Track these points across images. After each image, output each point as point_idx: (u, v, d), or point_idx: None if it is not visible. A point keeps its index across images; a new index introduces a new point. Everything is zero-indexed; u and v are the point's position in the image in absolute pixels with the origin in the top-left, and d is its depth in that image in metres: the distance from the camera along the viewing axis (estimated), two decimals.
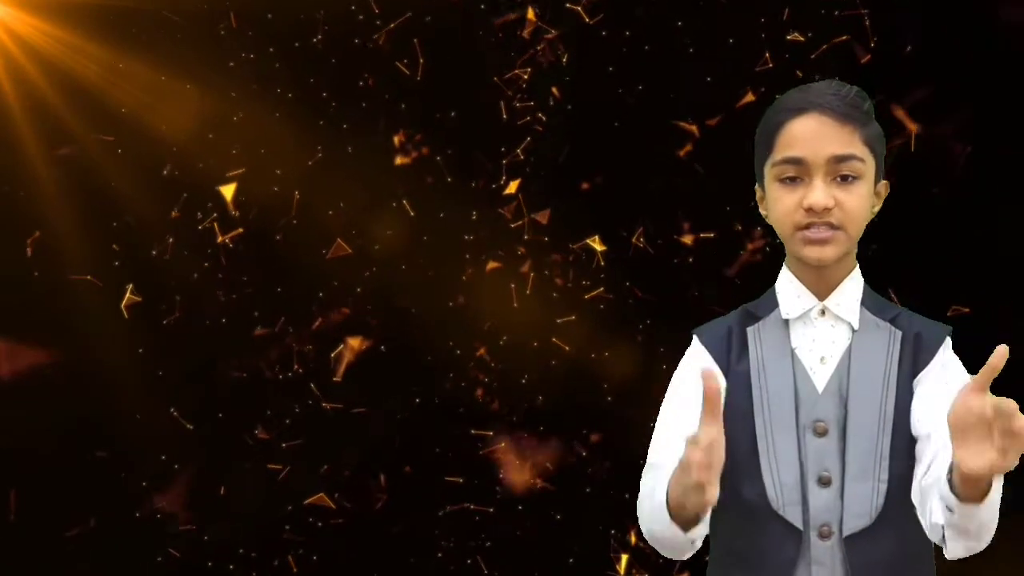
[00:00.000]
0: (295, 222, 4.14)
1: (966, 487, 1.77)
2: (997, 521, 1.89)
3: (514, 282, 4.16)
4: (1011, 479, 1.86)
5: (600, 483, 4.11)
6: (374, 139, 4.14)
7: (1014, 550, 2.12)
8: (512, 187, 4.16)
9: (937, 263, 3.88)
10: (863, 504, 2.02)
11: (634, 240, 4.10)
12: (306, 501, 4.17)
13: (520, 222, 4.16)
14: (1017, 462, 1.70)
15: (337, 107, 4.14)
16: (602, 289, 4.15)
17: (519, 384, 4.13)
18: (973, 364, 1.84)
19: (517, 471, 4.11)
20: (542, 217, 4.15)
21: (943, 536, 1.90)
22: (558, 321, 4.14)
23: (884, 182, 2.16)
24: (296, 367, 4.19)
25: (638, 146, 4.10)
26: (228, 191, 4.04)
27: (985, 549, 1.94)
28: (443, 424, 4.16)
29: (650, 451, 2.14)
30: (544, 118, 4.13)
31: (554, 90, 4.16)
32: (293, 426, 4.19)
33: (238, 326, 4.17)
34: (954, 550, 1.90)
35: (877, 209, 2.17)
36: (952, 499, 1.80)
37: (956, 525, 1.84)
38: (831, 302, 2.13)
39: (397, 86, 4.16)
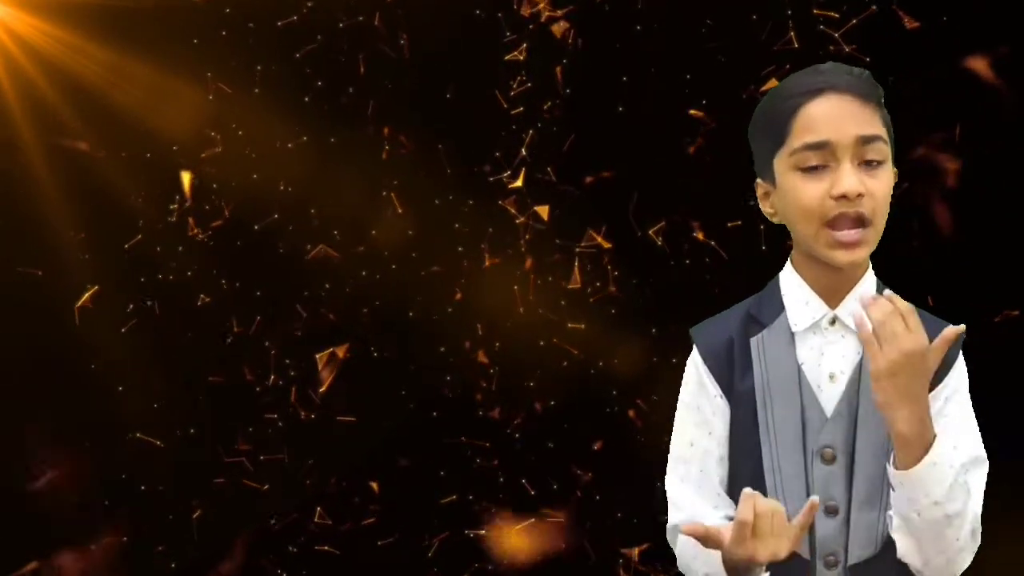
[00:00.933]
0: (276, 216, 4.03)
1: (898, 448, 1.89)
2: (944, 538, 1.94)
3: (515, 281, 4.05)
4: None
5: (606, 502, 4.00)
6: (362, 126, 4.03)
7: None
8: (514, 179, 4.04)
9: (986, 263, 3.81)
10: (869, 533, 2.00)
11: (649, 234, 3.99)
12: (286, 522, 4.01)
13: (522, 218, 4.04)
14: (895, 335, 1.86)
15: (322, 90, 4.03)
16: (611, 288, 4.03)
17: (519, 391, 4.02)
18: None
19: (516, 488, 4.02)
20: (543, 211, 4.03)
21: (894, 529, 1.97)
22: (561, 322, 4.03)
23: (894, 170, 2.09)
24: (274, 376, 4.04)
25: (648, 135, 3.98)
26: (186, 178, 3.95)
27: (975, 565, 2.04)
28: (437, 435, 4.04)
29: (671, 487, 2.14)
30: (545, 104, 4.01)
31: (557, 71, 4.01)
32: (272, 440, 4.02)
33: (212, 329, 4.02)
34: (901, 547, 1.96)
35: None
36: (892, 473, 1.91)
37: (902, 512, 1.92)
38: (842, 311, 2.05)
39: (387, 68, 4.03)
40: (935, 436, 1.90)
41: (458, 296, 4.03)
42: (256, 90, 3.97)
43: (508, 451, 4.03)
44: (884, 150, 2.00)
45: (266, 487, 4.01)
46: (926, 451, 1.89)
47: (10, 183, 3.91)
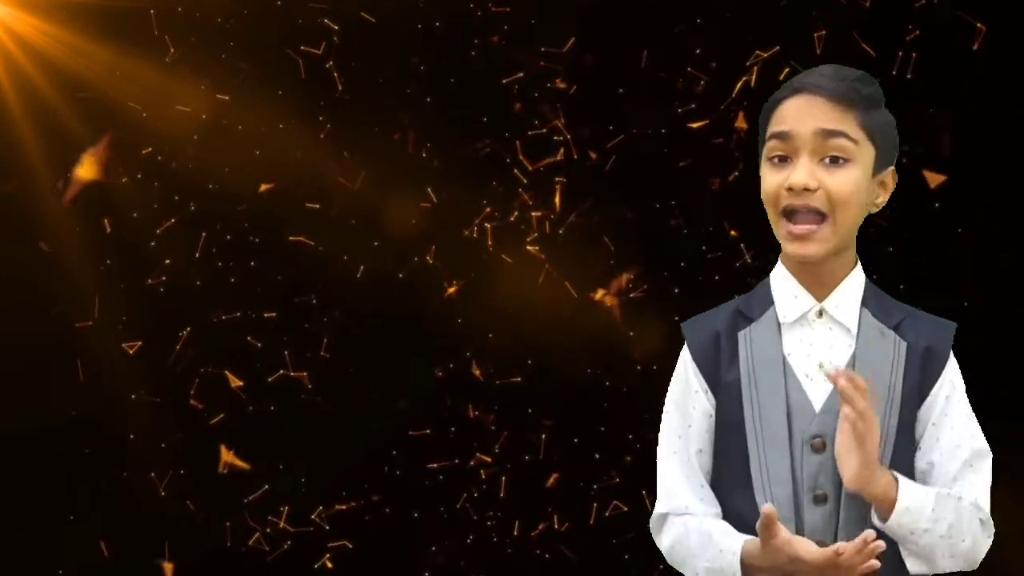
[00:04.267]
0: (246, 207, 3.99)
1: (876, 506, 2.11)
2: (949, 547, 2.13)
3: (519, 279, 3.99)
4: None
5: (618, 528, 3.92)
6: (351, 108, 4.01)
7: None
8: (517, 159, 3.98)
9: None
10: (859, 522, 2.14)
11: (663, 224, 3.94)
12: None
13: (527, 209, 3.99)
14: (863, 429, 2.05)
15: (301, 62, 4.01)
16: (624, 285, 3.96)
17: (521, 401, 3.98)
18: None
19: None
20: (554, 200, 3.98)
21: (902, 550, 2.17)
22: (567, 327, 3.95)
23: (891, 171, 2.26)
24: (229, 390, 3.94)
25: (661, 115, 3.92)
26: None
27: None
28: (426, 460, 3.94)
29: (661, 477, 2.29)
30: (559, 76, 3.95)
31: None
32: (208, 473, 3.91)
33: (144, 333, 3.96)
34: (911, 566, 2.15)
35: (882, 201, 2.25)
36: (877, 523, 2.11)
37: (901, 541, 2.12)
38: (830, 304, 2.24)
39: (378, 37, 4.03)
40: (896, 480, 2.08)
41: (451, 291, 3.98)
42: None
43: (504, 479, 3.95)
44: (849, 148, 2.15)
45: (209, 525, 3.86)
46: (895, 499, 2.07)
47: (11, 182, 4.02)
